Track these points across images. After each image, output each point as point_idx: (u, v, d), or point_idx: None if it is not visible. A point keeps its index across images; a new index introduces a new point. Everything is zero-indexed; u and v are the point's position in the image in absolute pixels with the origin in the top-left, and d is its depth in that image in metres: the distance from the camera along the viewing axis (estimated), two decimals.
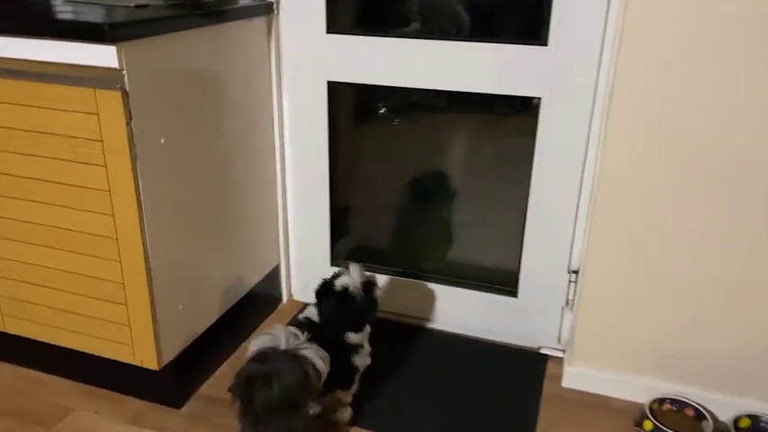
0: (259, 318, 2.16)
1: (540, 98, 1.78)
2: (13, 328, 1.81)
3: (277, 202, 2.14)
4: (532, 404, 1.81)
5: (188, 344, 1.77)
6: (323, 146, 2.05)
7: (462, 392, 1.85)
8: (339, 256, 2.23)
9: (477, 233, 2.12)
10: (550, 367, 1.97)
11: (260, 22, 1.88)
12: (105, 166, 1.49)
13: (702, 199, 1.58)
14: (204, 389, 1.86)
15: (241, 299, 2.01)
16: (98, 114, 1.44)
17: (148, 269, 1.57)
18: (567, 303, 1.97)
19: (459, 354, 2.02)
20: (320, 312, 1.57)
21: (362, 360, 1.61)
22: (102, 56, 1.38)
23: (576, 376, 1.87)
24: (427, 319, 2.17)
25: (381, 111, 2.15)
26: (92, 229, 1.57)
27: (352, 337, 1.57)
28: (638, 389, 1.78)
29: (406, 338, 2.09)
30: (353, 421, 1.71)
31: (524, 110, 1.85)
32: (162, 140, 1.54)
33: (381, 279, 2.15)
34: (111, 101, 1.41)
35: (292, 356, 1.30)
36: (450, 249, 2.17)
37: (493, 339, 2.09)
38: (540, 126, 1.80)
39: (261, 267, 2.12)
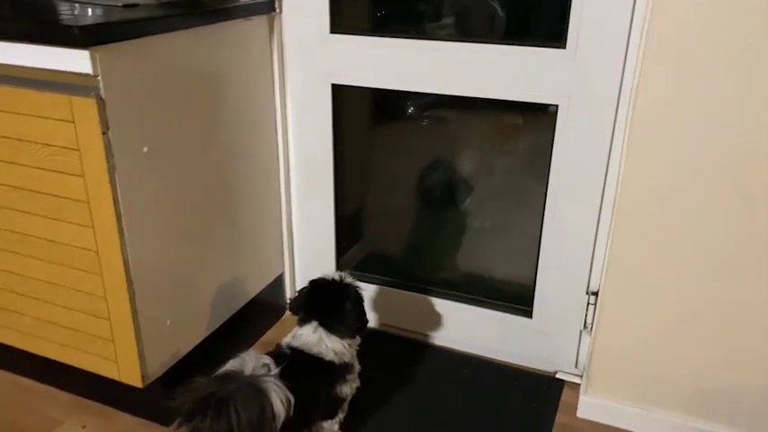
0: (261, 329, 2.08)
1: (557, 105, 1.63)
2: (3, 337, 1.77)
3: (281, 209, 2.04)
4: None
5: (178, 360, 1.69)
6: (328, 151, 1.94)
7: (468, 418, 1.73)
8: (345, 263, 2.13)
9: (489, 245, 2.00)
10: (566, 394, 1.83)
11: (260, 20, 1.78)
12: (83, 176, 1.41)
13: (739, 214, 1.42)
14: None
15: (241, 309, 1.93)
16: (74, 122, 1.36)
17: (130, 283, 1.48)
18: (586, 326, 1.82)
19: (466, 374, 1.90)
20: None
21: (350, 387, 1.49)
22: (75, 61, 1.29)
23: (593, 407, 1.73)
24: (433, 335, 2.04)
25: (389, 115, 2.04)
26: (72, 241, 1.50)
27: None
28: (660, 424, 1.64)
29: (409, 354, 1.98)
30: None
31: (540, 118, 1.70)
32: (145, 149, 1.45)
33: (386, 288, 2.04)
34: (86, 108, 1.33)
35: (251, 385, 1.19)
36: (462, 260, 2.05)
37: (504, 360, 1.95)
38: (557, 136, 1.65)
39: (263, 277, 2.03)
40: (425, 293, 2.02)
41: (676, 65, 1.35)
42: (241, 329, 1.96)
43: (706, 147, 1.39)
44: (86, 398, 1.80)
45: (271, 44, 1.84)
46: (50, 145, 1.41)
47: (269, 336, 2.08)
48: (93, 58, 1.29)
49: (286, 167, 2.00)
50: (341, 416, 1.53)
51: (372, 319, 2.09)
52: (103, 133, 1.34)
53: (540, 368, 1.91)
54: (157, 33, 1.44)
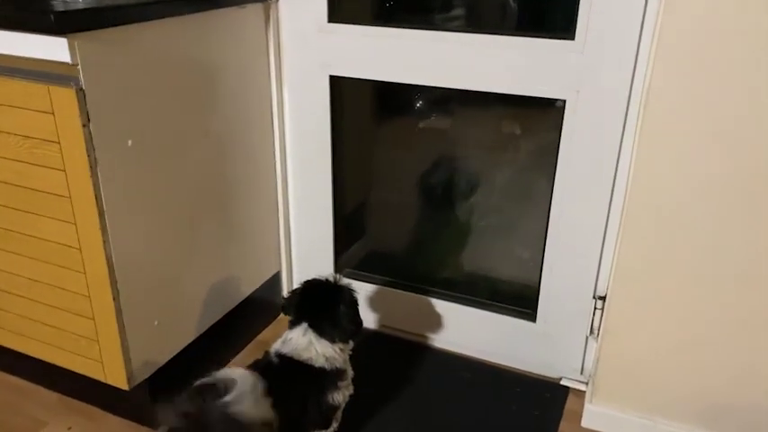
0: (256, 328, 2.02)
1: (564, 100, 1.54)
2: None
3: (278, 206, 1.97)
4: None
5: (166, 361, 1.63)
6: (326, 146, 1.87)
7: (468, 425, 1.66)
8: (345, 262, 2.06)
9: (493, 245, 1.92)
10: (571, 401, 1.75)
11: (255, 8, 1.71)
12: (64, 170, 1.34)
13: (753, 219, 1.33)
14: None
15: (236, 308, 1.87)
16: (53, 114, 1.29)
17: (113, 282, 1.42)
18: (592, 332, 1.74)
19: (467, 379, 1.83)
20: None
21: (343, 395, 1.42)
22: (53, 49, 1.22)
23: (598, 416, 1.65)
24: (433, 337, 1.97)
25: (389, 109, 1.96)
26: (55, 237, 1.44)
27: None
28: None
29: (408, 357, 1.91)
30: None
31: (547, 114, 1.62)
32: (129, 143, 1.39)
33: (386, 289, 1.97)
34: (65, 99, 1.26)
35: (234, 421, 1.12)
36: (465, 260, 1.97)
37: (507, 365, 1.88)
38: (564, 132, 1.57)
39: (258, 275, 1.97)
40: (426, 294, 1.94)
41: (690, 62, 1.27)
42: (235, 329, 1.90)
43: (720, 149, 1.31)
44: (74, 398, 1.74)
45: (267, 33, 1.76)
46: (30, 137, 1.35)
47: (264, 335, 2.01)
48: (71, 47, 1.22)
49: (282, 162, 1.92)
50: (335, 425, 1.46)
51: (371, 321, 2.03)
52: (84, 125, 1.28)
53: (544, 374, 1.84)
54: (143, 21, 1.37)
